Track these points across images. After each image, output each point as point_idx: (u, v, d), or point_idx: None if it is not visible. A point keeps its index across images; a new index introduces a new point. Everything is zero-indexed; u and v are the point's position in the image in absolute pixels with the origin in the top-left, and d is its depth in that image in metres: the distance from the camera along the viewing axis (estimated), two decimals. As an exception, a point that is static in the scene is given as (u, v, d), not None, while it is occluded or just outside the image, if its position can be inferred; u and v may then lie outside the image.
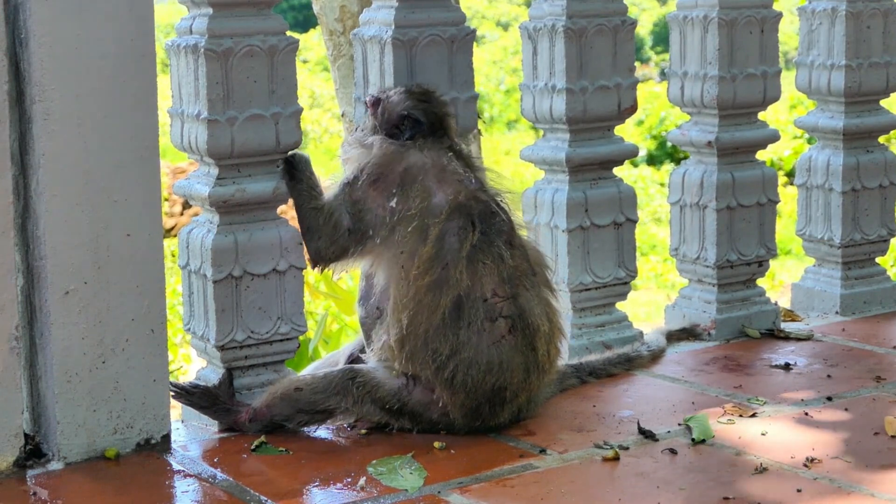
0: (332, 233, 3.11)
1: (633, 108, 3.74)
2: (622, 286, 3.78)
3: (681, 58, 3.93)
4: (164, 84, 3.05)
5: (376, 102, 3.21)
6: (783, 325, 3.99)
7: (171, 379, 3.18)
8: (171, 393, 3.07)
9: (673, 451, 2.93)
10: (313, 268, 3.18)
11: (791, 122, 7.41)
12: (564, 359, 3.49)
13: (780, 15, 3.94)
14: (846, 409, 3.21)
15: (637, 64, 5.97)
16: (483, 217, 3.05)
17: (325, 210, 3.12)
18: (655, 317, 9.82)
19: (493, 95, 24.37)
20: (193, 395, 3.12)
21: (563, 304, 3.70)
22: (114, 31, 2.85)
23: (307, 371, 3.33)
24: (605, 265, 3.73)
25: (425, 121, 3.14)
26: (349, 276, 6.55)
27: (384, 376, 3.05)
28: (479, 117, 3.55)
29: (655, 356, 3.66)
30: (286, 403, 3.06)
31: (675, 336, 3.85)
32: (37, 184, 2.83)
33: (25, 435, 2.90)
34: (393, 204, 3.04)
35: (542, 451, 2.95)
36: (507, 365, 3.02)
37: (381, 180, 3.08)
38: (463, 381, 2.99)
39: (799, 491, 2.69)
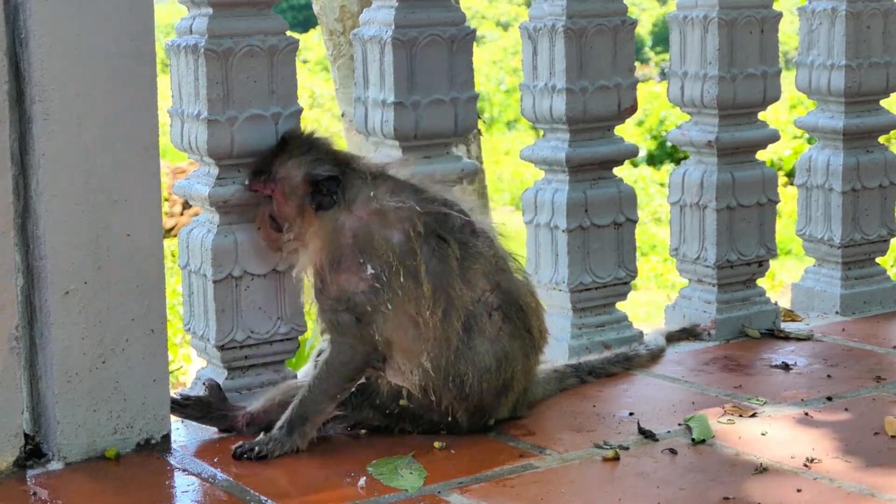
0: (354, 339, 2.96)
1: (633, 108, 3.74)
2: (622, 286, 3.78)
3: (681, 58, 3.93)
4: (164, 84, 3.04)
5: (277, 185, 3.02)
6: (783, 325, 3.99)
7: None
8: None
9: (673, 451, 2.93)
10: (377, 371, 3.01)
11: (791, 122, 7.40)
12: (563, 355, 3.49)
13: (780, 15, 3.94)
14: (846, 409, 3.21)
15: (637, 64, 5.96)
16: (441, 224, 2.97)
17: (335, 335, 2.98)
18: (655, 317, 9.82)
19: (493, 95, 24.36)
20: (186, 407, 3.10)
21: (562, 304, 3.70)
22: (114, 31, 2.85)
23: (301, 373, 3.31)
24: (605, 265, 3.73)
25: (335, 171, 2.99)
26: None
27: (382, 382, 3.03)
28: (479, 117, 3.54)
29: (654, 356, 3.66)
30: (284, 410, 3.04)
31: (675, 336, 3.84)
32: (37, 184, 2.83)
33: (25, 435, 2.90)
34: (370, 270, 2.93)
35: (542, 451, 2.95)
36: (512, 354, 3.01)
37: (342, 262, 2.95)
38: (478, 388, 2.98)
39: (799, 491, 2.69)
